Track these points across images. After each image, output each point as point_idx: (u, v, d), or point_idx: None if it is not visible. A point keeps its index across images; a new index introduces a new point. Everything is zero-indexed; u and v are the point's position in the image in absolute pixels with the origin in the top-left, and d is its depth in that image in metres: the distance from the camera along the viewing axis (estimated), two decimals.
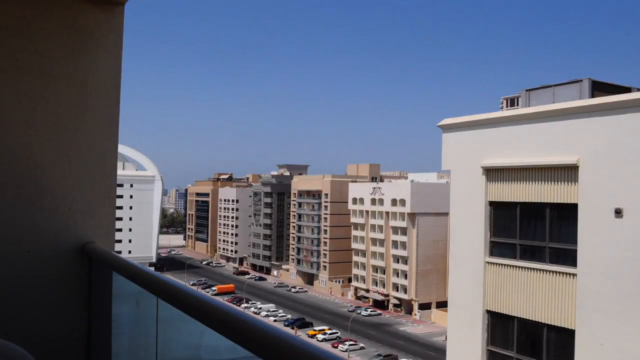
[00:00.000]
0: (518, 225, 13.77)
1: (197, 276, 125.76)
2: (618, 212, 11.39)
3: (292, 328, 79.91)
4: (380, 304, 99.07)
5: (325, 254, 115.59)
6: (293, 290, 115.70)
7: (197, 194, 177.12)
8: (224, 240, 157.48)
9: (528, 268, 13.50)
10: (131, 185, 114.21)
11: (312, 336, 76.97)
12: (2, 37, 2.93)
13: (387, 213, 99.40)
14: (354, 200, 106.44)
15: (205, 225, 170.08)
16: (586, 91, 16.31)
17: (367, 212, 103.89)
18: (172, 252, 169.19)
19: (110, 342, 3.09)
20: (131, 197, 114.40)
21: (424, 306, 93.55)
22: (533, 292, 13.35)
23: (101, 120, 3.25)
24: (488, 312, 14.34)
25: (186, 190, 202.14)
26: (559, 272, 12.85)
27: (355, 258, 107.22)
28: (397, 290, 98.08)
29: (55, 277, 3.03)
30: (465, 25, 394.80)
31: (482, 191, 14.32)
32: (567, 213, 12.74)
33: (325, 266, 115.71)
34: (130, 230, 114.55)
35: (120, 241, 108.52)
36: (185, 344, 2.43)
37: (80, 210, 3.13)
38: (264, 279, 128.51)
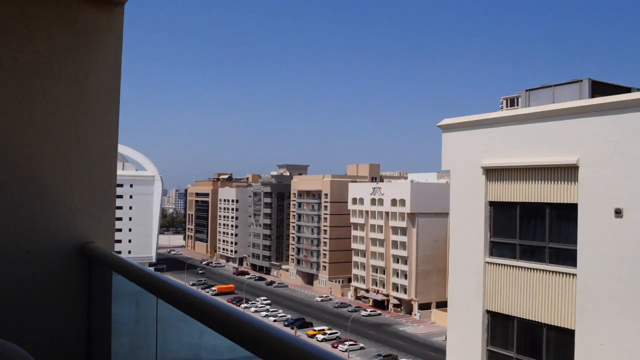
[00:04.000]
0: (518, 225, 13.77)
1: (196, 276, 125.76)
2: (618, 212, 11.39)
3: (292, 328, 79.90)
4: (380, 304, 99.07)
5: (325, 254, 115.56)
6: (273, 285, 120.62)
7: (197, 194, 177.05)
8: (223, 241, 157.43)
9: (528, 268, 13.50)
10: (131, 185, 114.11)
11: (312, 336, 76.94)
12: (2, 37, 2.93)
13: (387, 213, 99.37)
14: (354, 200, 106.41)
15: (205, 225, 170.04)
16: (586, 91, 16.32)
17: (367, 212, 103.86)
18: (172, 252, 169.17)
19: (110, 342, 3.09)
20: (131, 197, 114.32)
21: (424, 306, 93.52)
22: (533, 292, 13.35)
23: (101, 120, 3.24)
24: (488, 312, 14.34)
25: (186, 190, 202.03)
26: (559, 272, 12.85)
27: (355, 258, 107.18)
28: (397, 291, 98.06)
29: (55, 277, 3.03)
30: (466, 25, 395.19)
31: (482, 191, 14.32)
32: (567, 213, 12.74)
33: (325, 266, 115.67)
34: (130, 230, 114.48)
35: (120, 241, 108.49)
36: (185, 344, 2.43)
37: (80, 210, 3.13)
38: (263, 279, 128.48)
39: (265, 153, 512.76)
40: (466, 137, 14.95)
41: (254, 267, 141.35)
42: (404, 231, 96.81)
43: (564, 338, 12.70)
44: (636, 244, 11.23)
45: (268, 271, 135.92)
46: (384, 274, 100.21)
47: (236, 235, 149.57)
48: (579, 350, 12.15)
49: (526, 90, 18.56)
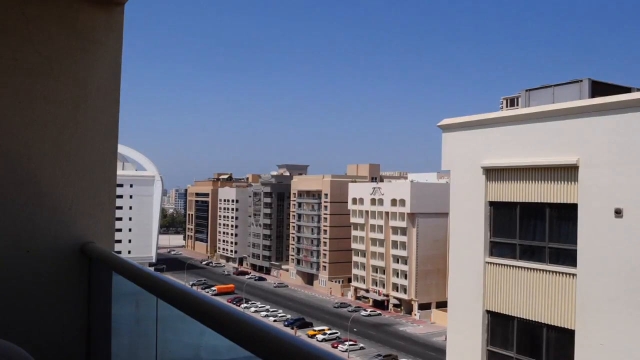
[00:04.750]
0: (518, 225, 13.77)
1: (197, 276, 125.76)
2: (618, 212, 11.39)
3: (292, 328, 79.89)
4: (380, 304, 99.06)
5: (325, 254, 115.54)
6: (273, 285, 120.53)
7: (197, 194, 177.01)
8: (223, 241, 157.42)
9: (528, 268, 13.50)
10: (131, 185, 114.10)
11: (312, 336, 76.94)
12: (2, 37, 2.92)
13: (387, 213, 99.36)
14: (354, 201, 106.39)
15: (205, 225, 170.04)
16: (586, 91, 16.32)
17: (367, 212, 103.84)
18: (172, 252, 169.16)
19: (110, 342, 3.09)
20: (131, 197, 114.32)
21: (424, 306, 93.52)
22: (533, 292, 13.35)
23: (101, 120, 3.24)
24: (488, 312, 14.34)
25: (186, 190, 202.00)
26: (559, 272, 12.85)
27: (355, 258, 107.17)
28: (397, 291, 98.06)
29: (55, 277, 3.03)
30: (465, 25, 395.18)
31: (482, 191, 14.32)
32: (567, 213, 12.74)
33: (325, 266, 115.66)
34: (130, 230, 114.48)
35: (120, 241, 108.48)
36: (185, 344, 2.43)
37: (80, 210, 3.13)
38: (263, 279, 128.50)
39: (265, 153, 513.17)
40: (466, 137, 14.95)
41: (254, 267, 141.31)
42: (404, 231, 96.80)
43: (564, 338, 12.70)
44: (636, 244, 11.23)
45: (268, 271, 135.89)
46: (384, 274, 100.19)
47: (236, 235, 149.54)
48: (579, 350, 12.15)
49: (526, 90, 18.57)
